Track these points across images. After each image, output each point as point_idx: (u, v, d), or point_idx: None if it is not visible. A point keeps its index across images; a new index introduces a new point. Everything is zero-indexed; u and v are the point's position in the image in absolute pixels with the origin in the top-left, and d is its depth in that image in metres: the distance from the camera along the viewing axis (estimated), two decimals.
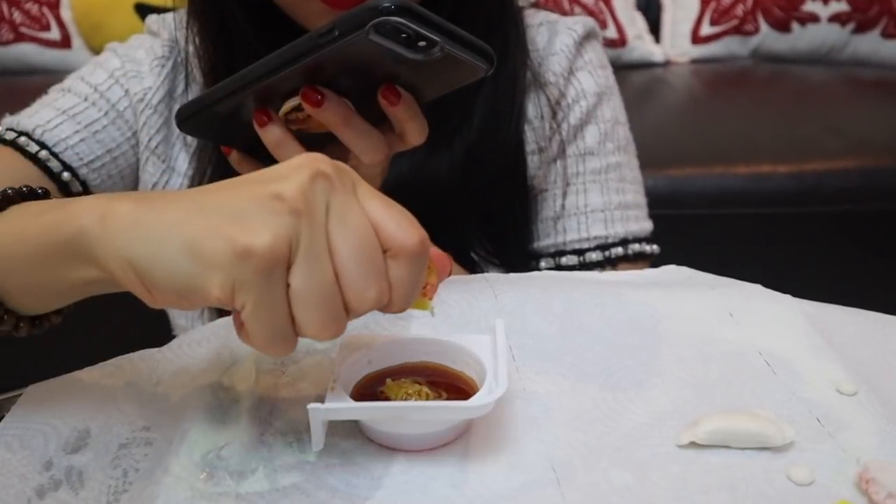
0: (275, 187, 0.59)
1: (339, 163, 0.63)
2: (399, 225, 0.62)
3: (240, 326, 0.61)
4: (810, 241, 2.21)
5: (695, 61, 3.09)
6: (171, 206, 0.61)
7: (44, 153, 1.12)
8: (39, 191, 0.76)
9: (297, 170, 0.60)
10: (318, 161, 0.61)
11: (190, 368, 0.80)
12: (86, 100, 1.17)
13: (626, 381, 0.77)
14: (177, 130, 1.20)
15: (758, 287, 0.92)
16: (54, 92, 1.20)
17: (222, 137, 0.95)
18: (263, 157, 0.88)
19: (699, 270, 0.97)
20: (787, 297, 0.91)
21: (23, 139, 1.13)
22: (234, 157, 0.94)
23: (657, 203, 1.33)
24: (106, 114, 1.18)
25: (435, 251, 0.67)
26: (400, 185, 1.11)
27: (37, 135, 1.13)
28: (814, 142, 2.28)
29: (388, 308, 0.63)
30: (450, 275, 0.70)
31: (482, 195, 1.18)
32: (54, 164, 1.12)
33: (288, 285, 0.59)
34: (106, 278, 0.64)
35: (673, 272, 0.98)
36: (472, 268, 1.18)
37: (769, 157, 2.20)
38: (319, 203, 0.59)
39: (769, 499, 0.64)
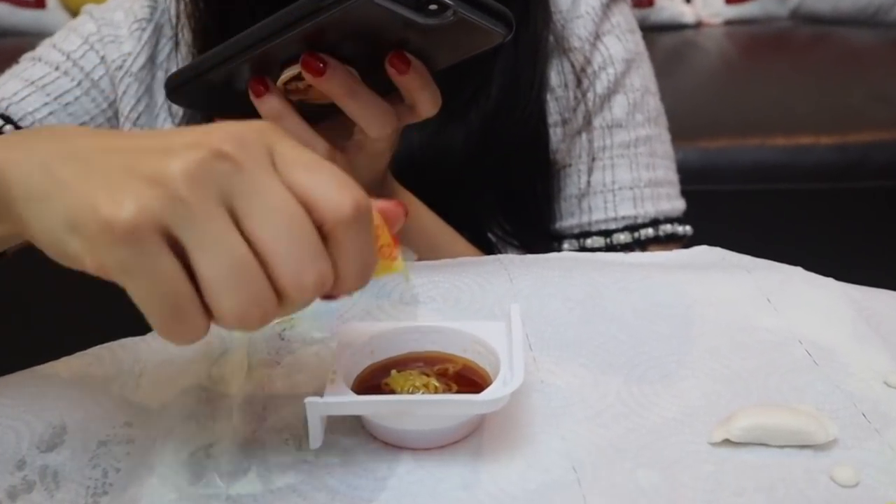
0: (158, 166, 0.57)
1: (252, 128, 0.61)
2: (327, 192, 0.59)
3: None
4: (855, 218, 2.21)
5: (729, 23, 3.08)
6: (63, 162, 0.60)
7: (8, 127, 1.12)
8: None
9: (190, 148, 0.58)
10: (220, 138, 0.59)
11: (176, 359, 0.80)
12: (57, 69, 1.17)
13: (654, 373, 0.77)
14: (160, 100, 1.20)
15: (798, 270, 0.92)
16: (25, 61, 1.20)
17: (216, 109, 0.95)
18: None
19: (734, 251, 0.97)
20: (830, 280, 0.90)
21: None
22: None
23: (688, 178, 1.33)
24: (79, 84, 1.18)
25: (380, 203, 0.66)
26: (410, 160, 1.11)
27: (1, 108, 1.13)
28: (859, 111, 2.27)
29: (340, 288, 0.61)
30: (407, 215, 0.68)
31: (500, 171, 1.18)
32: None
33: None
34: (18, 232, 0.63)
35: (705, 253, 0.97)
36: (488, 249, 1.18)
37: (810, 128, 2.20)
38: (209, 190, 0.57)
39: (810, 501, 0.64)
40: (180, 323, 0.57)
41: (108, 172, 0.58)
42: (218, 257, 0.56)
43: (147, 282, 0.56)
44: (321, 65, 0.81)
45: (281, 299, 0.59)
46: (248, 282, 0.57)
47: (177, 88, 0.88)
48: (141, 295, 0.57)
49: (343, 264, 0.60)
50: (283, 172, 0.59)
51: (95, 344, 0.83)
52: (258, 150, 0.59)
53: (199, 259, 0.56)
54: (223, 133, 0.59)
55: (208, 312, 0.58)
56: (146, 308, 0.57)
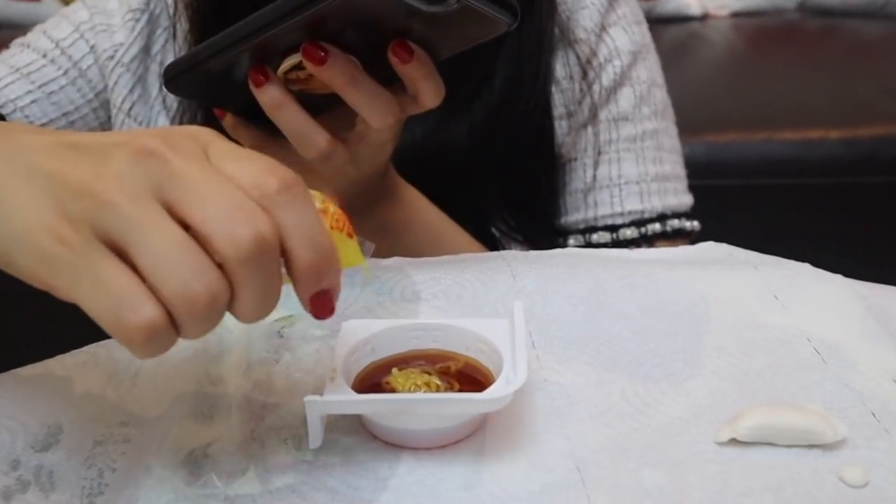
0: (86, 176, 0.57)
1: (185, 129, 0.62)
2: (257, 176, 0.59)
3: None
4: (864, 214, 2.21)
5: (736, 14, 3.08)
6: (7, 163, 0.60)
7: None
8: None
9: (117, 148, 0.59)
10: (149, 135, 0.59)
11: (173, 358, 0.80)
12: (44, 56, 1.18)
13: (659, 372, 0.77)
14: (154, 91, 1.20)
15: (806, 266, 0.92)
16: (14, 47, 1.21)
17: (214, 99, 0.95)
18: (261, 122, 0.88)
19: (740, 248, 0.97)
20: (839, 277, 0.90)
21: None
22: (228, 121, 0.94)
23: (694, 172, 1.33)
24: (65, 73, 1.18)
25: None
26: (413, 152, 1.11)
27: None
28: (868, 104, 2.27)
29: (294, 257, 0.60)
30: (343, 207, 0.68)
31: (504, 164, 1.18)
32: None
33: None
34: None
35: (711, 249, 0.97)
36: (492, 244, 1.18)
37: (818, 122, 2.20)
38: (138, 187, 0.57)
39: (819, 502, 0.64)
40: (133, 316, 0.56)
41: (49, 182, 0.58)
42: (154, 242, 0.56)
43: (93, 287, 0.56)
44: (322, 53, 0.80)
45: (225, 271, 0.58)
46: (186, 257, 0.57)
47: (174, 78, 0.88)
48: (88, 298, 0.57)
49: (288, 226, 0.59)
50: (214, 163, 0.60)
51: (91, 342, 0.83)
52: (188, 144, 0.60)
53: (137, 251, 0.56)
54: (152, 132, 0.60)
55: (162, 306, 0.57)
56: (94, 309, 0.57)
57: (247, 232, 0.57)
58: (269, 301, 0.60)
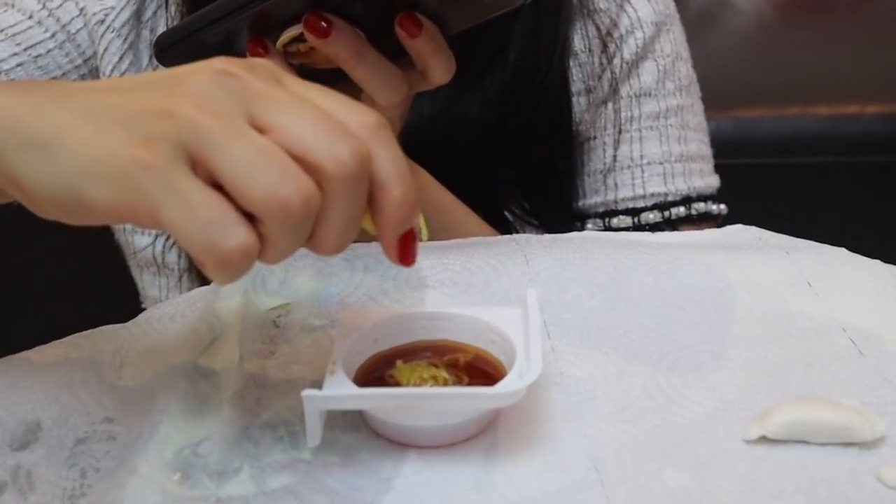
0: (166, 99, 0.59)
1: (256, 60, 0.63)
2: (350, 107, 0.61)
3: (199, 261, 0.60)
4: None
5: None
6: (60, 104, 0.61)
7: None
8: None
9: (194, 73, 0.60)
10: (223, 61, 0.61)
11: (161, 348, 0.80)
12: (31, 17, 1.18)
13: (684, 364, 0.77)
14: (145, 59, 1.20)
15: (841, 251, 0.92)
16: None
17: None
18: None
19: (771, 231, 0.96)
20: (877, 262, 0.90)
21: None
22: None
23: (721, 151, 1.33)
24: (53, 36, 1.18)
25: None
26: (422, 130, 1.11)
27: None
28: None
29: (387, 189, 0.61)
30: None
31: (518, 143, 1.19)
32: None
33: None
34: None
35: (740, 233, 0.97)
36: (505, 228, 1.18)
37: (855, 95, 2.19)
38: (222, 105, 0.59)
39: None
40: (226, 240, 0.57)
41: (115, 113, 0.59)
42: (240, 150, 0.57)
43: (181, 210, 0.57)
44: (325, 25, 0.80)
45: (320, 180, 0.59)
46: (275, 161, 0.58)
47: (166, 49, 0.88)
48: (177, 222, 0.57)
49: (381, 158, 0.61)
50: (296, 92, 0.61)
51: (73, 332, 0.83)
52: (265, 71, 0.61)
53: (221, 163, 0.57)
54: (227, 59, 0.61)
55: (252, 223, 0.58)
56: (184, 233, 0.57)
57: (347, 149, 0.59)
58: (353, 229, 0.61)
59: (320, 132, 0.59)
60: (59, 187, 0.59)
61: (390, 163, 0.61)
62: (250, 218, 0.58)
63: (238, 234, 0.57)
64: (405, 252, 0.64)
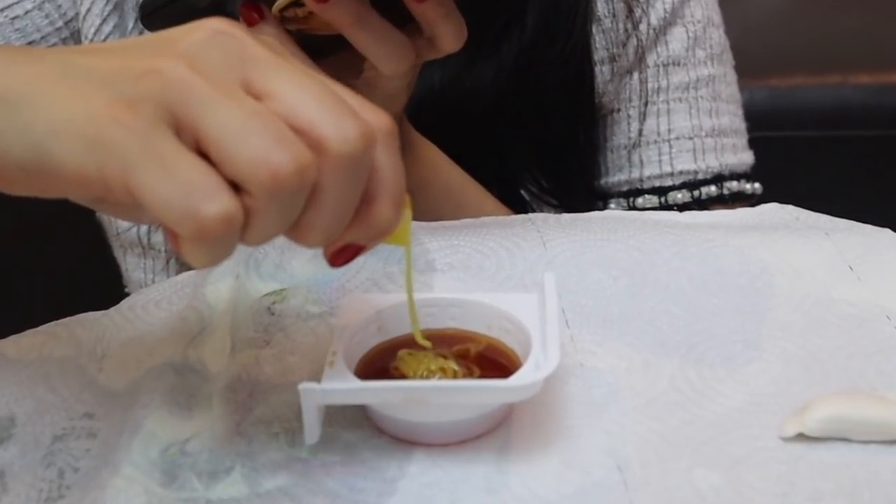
0: (153, 58, 0.58)
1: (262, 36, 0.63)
2: (362, 102, 0.61)
3: (174, 238, 0.59)
4: None
5: None
6: (35, 61, 0.60)
7: None
8: None
9: (187, 32, 0.59)
10: (216, 21, 0.60)
11: (146, 338, 0.80)
12: None
13: (715, 355, 0.77)
14: (131, 22, 1.20)
15: (886, 232, 0.92)
16: None
17: None
18: None
19: (809, 210, 0.96)
20: None
21: None
22: None
23: (756, 123, 1.33)
24: None
25: None
26: (432, 102, 1.11)
27: None
28: None
29: (375, 199, 0.61)
30: None
31: (536, 116, 1.19)
32: None
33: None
34: None
35: (776, 212, 0.97)
36: (521, 208, 1.18)
37: None
38: (214, 64, 0.58)
39: None
40: (207, 205, 0.55)
41: (96, 73, 0.58)
42: (229, 112, 0.56)
43: (158, 172, 0.55)
44: None
45: (320, 158, 0.57)
46: (268, 124, 0.56)
47: (153, 13, 0.88)
48: (152, 184, 0.55)
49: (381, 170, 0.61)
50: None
51: (49, 320, 0.83)
52: (270, 41, 0.61)
53: (208, 125, 0.56)
54: (227, 21, 0.60)
55: (235, 191, 0.56)
56: (159, 197, 0.55)
57: (355, 127, 0.58)
58: (343, 221, 0.60)
59: (326, 106, 0.58)
60: (23, 147, 0.58)
61: (392, 170, 0.61)
62: (236, 189, 0.56)
63: (220, 199, 0.55)
64: (343, 258, 0.63)
